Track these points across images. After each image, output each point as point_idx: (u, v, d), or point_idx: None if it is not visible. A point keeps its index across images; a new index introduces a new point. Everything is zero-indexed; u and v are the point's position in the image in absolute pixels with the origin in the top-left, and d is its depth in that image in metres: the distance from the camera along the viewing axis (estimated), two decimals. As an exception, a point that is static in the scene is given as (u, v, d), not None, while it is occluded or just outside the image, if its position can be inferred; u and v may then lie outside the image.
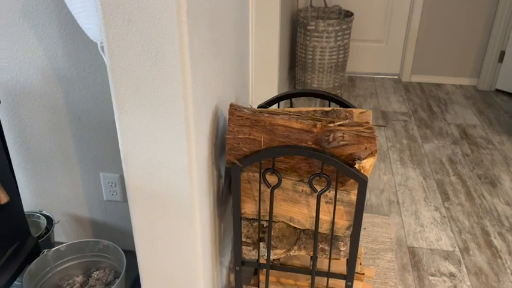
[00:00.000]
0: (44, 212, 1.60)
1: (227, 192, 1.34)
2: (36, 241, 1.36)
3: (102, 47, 0.99)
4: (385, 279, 1.63)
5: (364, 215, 1.98)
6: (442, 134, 2.71)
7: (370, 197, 2.11)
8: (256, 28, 2.38)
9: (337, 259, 1.44)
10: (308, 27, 3.02)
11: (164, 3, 0.81)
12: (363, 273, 1.47)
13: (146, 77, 0.88)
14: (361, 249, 1.52)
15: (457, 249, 1.78)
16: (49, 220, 1.58)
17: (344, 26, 3.01)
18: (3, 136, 1.22)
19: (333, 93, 1.36)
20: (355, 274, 1.45)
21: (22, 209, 1.30)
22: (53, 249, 1.35)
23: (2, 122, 1.37)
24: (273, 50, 2.45)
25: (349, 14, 3.18)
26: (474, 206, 2.04)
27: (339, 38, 3.04)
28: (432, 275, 1.65)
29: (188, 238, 1.06)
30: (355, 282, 1.40)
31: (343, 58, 3.16)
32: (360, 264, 1.50)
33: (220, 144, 1.20)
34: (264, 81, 2.53)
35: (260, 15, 2.33)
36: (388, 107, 3.10)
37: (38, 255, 1.32)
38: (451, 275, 1.65)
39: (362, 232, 1.88)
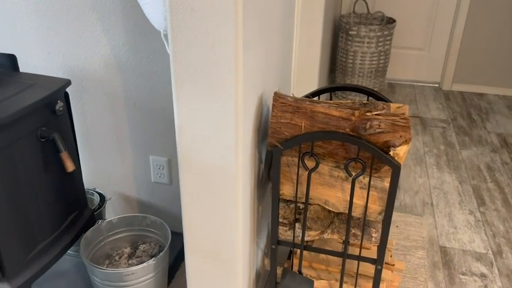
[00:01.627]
0: (97, 190, 1.74)
1: (266, 177, 1.43)
2: (92, 212, 1.50)
3: (165, 35, 1.11)
4: (415, 275, 1.67)
5: (397, 213, 2.03)
6: (482, 141, 2.70)
7: (404, 198, 2.15)
8: (300, 29, 2.47)
9: (369, 249, 1.50)
10: (350, 32, 3.09)
11: (223, -5, 0.91)
12: (393, 265, 1.52)
13: (203, 60, 0.99)
14: (392, 242, 1.57)
15: (490, 251, 1.79)
16: (101, 197, 1.72)
17: (386, 32, 3.06)
18: (72, 116, 1.37)
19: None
20: (385, 264, 1.51)
21: (82, 182, 1.44)
22: (106, 220, 1.48)
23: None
24: (315, 52, 2.53)
25: (391, 21, 3.22)
26: (510, 213, 2.03)
27: (380, 44, 3.09)
28: (463, 274, 1.67)
29: (230, 211, 1.16)
30: (384, 271, 1.46)
31: (384, 64, 3.20)
32: (391, 256, 1.56)
33: (262, 130, 1.30)
34: (304, 82, 2.62)
35: (304, 15, 2.43)
36: (427, 113, 3.11)
37: (93, 225, 1.45)
38: (482, 275, 1.66)
39: (394, 229, 1.92)
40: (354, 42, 3.10)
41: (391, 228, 1.92)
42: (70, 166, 1.22)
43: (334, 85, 1.45)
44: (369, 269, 1.43)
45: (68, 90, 1.36)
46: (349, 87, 1.43)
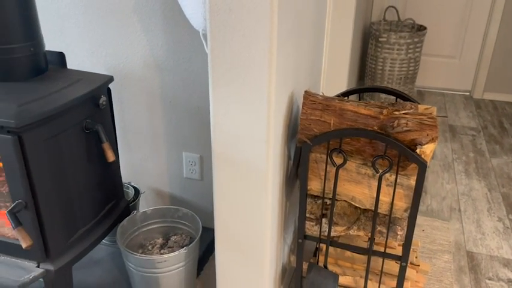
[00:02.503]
0: (132, 184, 1.83)
1: (294, 174, 1.48)
2: (127, 203, 1.58)
3: (204, 34, 1.19)
4: (440, 277, 1.67)
5: (424, 217, 2.03)
6: (513, 150, 2.66)
7: (431, 203, 2.15)
8: (331, 35, 2.52)
9: (393, 248, 1.52)
10: (380, 39, 3.11)
11: (260, -4, 0.98)
12: (418, 265, 1.53)
13: (239, 58, 1.06)
14: (418, 243, 1.59)
15: (518, 258, 1.78)
16: (136, 191, 1.80)
17: (416, 39, 3.06)
18: (113, 110, 1.46)
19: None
20: (410, 264, 1.52)
21: (120, 174, 1.53)
22: (141, 211, 1.56)
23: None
24: (344, 57, 2.57)
25: (422, 28, 3.22)
26: (541, 221, 2.01)
27: (410, 51, 3.09)
28: (489, 279, 1.67)
29: (260, 204, 1.21)
30: (409, 270, 1.47)
31: (413, 71, 3.20)
32: (416, 257, 1.57)
33: (292, 128, 1.35)
34: (332, 87, 2.66)
35: (335, 22, 2.47)
36: (457, 121, 3.08)
37: (129, 215, 1.53)
38: (510, 281, 1.65)
39: (420, 233, 1.93)
40: (383, 48, 3.12)
41: (417, 231, 1.93)
42: (111, 156, 1.30)
43: (363, 86, 1.49)
44: (393, 267, 1.46)
45: (109, 86, 1.45)
46: (378, 89, 1.47)
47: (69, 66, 1.52)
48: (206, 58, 1.55)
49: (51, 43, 1.70)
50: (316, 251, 1.63)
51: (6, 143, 1.10)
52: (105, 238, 1.73)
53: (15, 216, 1.14)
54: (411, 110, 1.17)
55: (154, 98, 1.70)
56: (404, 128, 1.14)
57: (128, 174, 1.87)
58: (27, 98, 1.17)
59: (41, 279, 1.29)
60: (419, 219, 2.02)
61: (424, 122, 1.13)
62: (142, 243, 1.58)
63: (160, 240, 1.60)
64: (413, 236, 1.72)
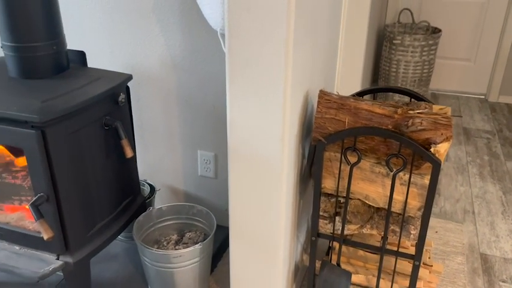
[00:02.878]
0: (148, 181, 1.86)
1: (308, 173, 1.49)
2: (144, 199, 1.61)
3: (221, 34, 1.21)
4: (453, 279, 1.67)
5: (437, 219, 2.03)
6: (528, 154, 2.64)
7: (444, 205, 2.14)
8: (345, 37, 2.53)
9: (406, 248, 1.52)
10: (394, 41, 3.11)
11: (278, -4, 1.00)
12: (431, 266, 1.54)
13: (256, 56, 1.08)
14: (431, 243, 1.59)
15: (533, 261, 1.76)
16: (152, 188, 1.84)
17: (430, 42, 3.06)
18: (131, 108, 1.49)
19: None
20: (423, 264, 1.53)
21: (137, 170, 1.56)
22: (157, 207, 1.59)
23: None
24: (358, 59, 2.57)
25: (436, 31, 3.21)
26: (556, 225, 1.99)
27: (424, 53, 3.09)
28: (503, 281, 1.66)
29: (274, 200, 1.23)
30: (422, 270, 1.48)
31: (427, 73, 3.19)
32: (429, 258, 1.57)
33: (306, 127, 1.37)
34: (346, 88, 2.67)
35: (349, 23, 2.48)
36: (471, 124, 3.07)
37: (145, 211, 1.56)
38: (524, 284, 1.65)
39: (433, 235, 1.92)
40: (397, 51, 3.12)
41: (430, 233, 1.92)
42: (129, 152, 1.33)
43: (377, 86, 1.50)
44: (406, 267, 1.46)
45: (128, 85, 1.49)
46: (392, 89, 1.48)
47: (88, 65, 1.55)
48: (222, 58, 1.58)
49: (71, 42, 1.74)
50: (329, 250, 1.64)
51: (30, 137, 1.14)
52: (121, 234, 1.77)
53: (37, 209, 1.17)
54: (426, 110, 1.18)
55: (170, 97, 1.73)
56: (419, 127, 1.15)
57: (143, 171, 1.90)
58: (50, 95, 1.20)
59: (60, 272, 1.32)
60: (433, 221, 2.02)
61: (438, 121, 1.14)
62: (157, 239, 1.61)
63: (175, 237, 1.62)
64: (427, 237, 1.71)
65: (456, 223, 1.99)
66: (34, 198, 1.18)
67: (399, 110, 1.17)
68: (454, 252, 1.81)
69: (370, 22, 2.68)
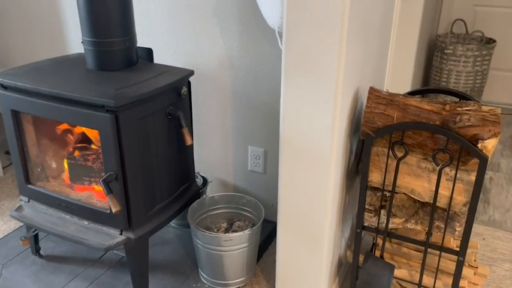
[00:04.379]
0: (201, 173, 1.98)
1: (355, 169, 1.55)
2: (198, 188, 1.72)
3: (279, 32, 1.31)
4: (500, 284, 1.65)
5: (485, 227, 2.01)
6: None
7: (494, 213, 2.11)
8: (395, 45, 2.56)
9: (451, 250, 1.54)
10: (445, 51, 3.09)
11: (334, -5, 1.08)
12: (477, 267, 1.54)
13: (311, 52, 1.16)
14: (477, 245, 1.59)
15: None
16: (204, 180, 1.95)
17: (484, 52, 3.02)
18: (191, 101, 1.61)
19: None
20: (469, 265, 1.53)
21: (193, 159, 1.68)
22: (209, 195, 1.70)
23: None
24: (408, 68, 2.60)
25: (491, 41, 3.17)
26: None
27: (477, 64, 3.05)
28: (553, 291, 1.63)
29: (322, 188, 1.30)
30: (467, 269, 1.48)
31: (480, 84, 3.14)
32: (475, 260, 1.58)
33: (355, 123, 1.43)
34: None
35: (400, 30, 2.51)
36: (526, 137, 2.98)
37: (199, 198, 1.67)
38: None
39: (481, 241, 1.91)
40: (449, 60, 3.10)
41: (478, 240, 1.91)
42: (189, 140, 1.45)
43: (426, 87, 1.54)
44: (450, 265, 1.47)
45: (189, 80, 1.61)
46: (442, 90, 1.51)
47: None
48: (276, 57, 1.68)
49: (140, 41, 1.90)
50: (373, 247, 1.68)
51: (105, 120, 1.28)
52: (174, 222, 1.89)
53: (107, 185, 1.31)
54: (474, 107, 1.21)
55: (226, 95, 1.84)
56: (466, 123, 1.18)
57: (197, 164, 2.02)
58: (123, 84, 1.35)
59: (118, 251, 1.45)
60: (480, 229, 2.00)
61: (486, 118, 1.17)
62: (208, 226, 1.71)
63: (225, 225, 1.72)
64: (474, 240, 1.71)
65: (505, 231, 1.97)
66: (105, 176, 1.32)
67: (447, 107, 1.21)
68: (502, 259, 1.79)
69: (421, 30, 2.70)
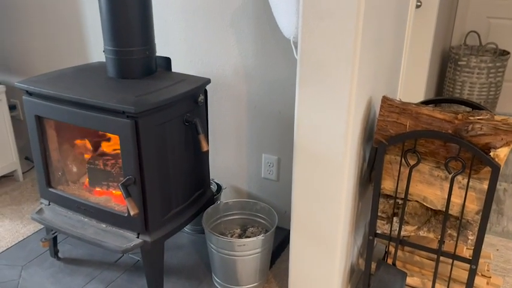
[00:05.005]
0: (215, 180, 2.01)
1: (368, 178, 1.57)
2: (212, 194, 1.76)
3: (294, 42, 1.35)
4: (513, 295, 1.65)
5: (499, 238, 2.00)
6: None
7: (507, 225, 2.11)
8: (408, 57, 2.59)
9: (463, 258, 1.54)
10: (459, 63, 3.10)
11: (347, 6, 1.12)
12: (490, 277, 1.54)
13: (325, 60, 1.20)
14: (490, 255, 1.59)
15: None
16: (218, 187, 1.99)
17: (498, 64, 3.02)
18: (207, 109, 1.65)
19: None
20: (481, 275, 1.53)
21: (209, 166, 1.71)
22: (224, 201, 1.73)
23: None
24: (421, 78, 2.62)
25: (505, 53, 3.17)
26: None
27: (491, 75, 3.05)
28: None
29: (335, 196, 1.32)
30: (480, 278, 1.49)
31: (494, 96, 3.14)
32: (488, 270, 1.58)
33: (368, 131, 1.45)
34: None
35: (413, 42, 2.54)
36: (541, 149, 2.96)
37: (213, 204, 1.71)
38: None
39: (494, 252, 1.90)
40: (462, 72, 3.11)
41: (491, 250, 1.91)
42: (205, 146, 1.48)
43: (439, 97, 1.56)
44: (462, 274, 1.48)
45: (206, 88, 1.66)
46: (455, 100, 1.53)
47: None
48: (290, 66, 1.72)
49: (158, 50, 1.96)
50: (385, 255, 1.69)
51: (125, 126, 1.32)
52: (188, 227, 1.93)
53: (126, 189, 1.35)
54: (486, 116, 1.23)
55: (240, 103, 1.88)
56: (479, 132, 1.20)
57: (211, 171, 2.06)
58: (143, 91, 1.39)
59: (133, 255, 1.48)
60: (494, 239, 2.00)
61: (499, 127, 1.19)
62: (222, 232, 1.74)
63: (238, 231, 1.75)
64: (487, 251, 1.70)
65: (519, 243, 1.96)
66: (124, 179, 1.36)
67: (459, 116, 1.23)
68: (516, 270, 1.78)
69: (434, 42, 2.72)
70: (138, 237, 1.46)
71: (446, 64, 3.36)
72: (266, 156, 1.91)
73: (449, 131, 1.24)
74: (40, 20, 2.29)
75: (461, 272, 1.49)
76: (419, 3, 2.42)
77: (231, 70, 1.85)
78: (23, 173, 2.44)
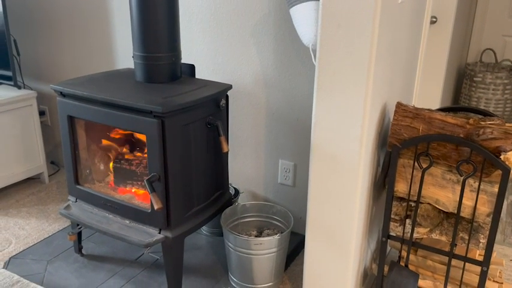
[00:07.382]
0: (233, 185, 2.08)
1: (382, 182, 1.62)
2: (230, 196, 1.82)
3: (313, 49, 1.43)
4: (526, 304, 1.66)
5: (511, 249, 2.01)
6: None
7: (522, 237, 2.12)
8: (424, 68, 2.65)
9: (475, 260, 1.57)
10: (475, 79, 3.15)
11: (365, 14, 1.19)
12: (502, 283, 1.56)
13: (342, 66, 1.27)
14: (503, 262, 1.61)
15: None
16: (236, 191, 2.05)
17: (514, 80, 3.05)
18: (228, 113, 1.73)
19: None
20: (493, 280, 1.56)
21: (228, 168, 1.79)
22: (241, 203, 1.79)
23: (222, 109, 1.90)
24: (436, 92, 2.66)
25: (521, 70, 3.20)
26: None
27: (506, 92, 3.08)
28: None
29: (349, 198, 1.37)
30: (492, 284, 1.51)
31: (510, 112, 3.16)
32: (500, 277, 1.60)
33: (382, 137, 1.51)
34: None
35: (428, 57, 2.60)
36: (557, 165, 2.96)
37: (231, 205, 1.77)
38: None
39: (507, 262, 1.92)
40: (478, 88, 3.15)
41: (505, 261, 1.92)
42: (225, 147, 1.56)
43: (452, 106, 1.61)
44: (474, 278, 1.50)
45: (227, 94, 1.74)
46: (469, 109, 1.58)
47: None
48: (309, 75, 1.79)
49: (183, 58, 2.07)
50: (398, 260, 1.72)
51: (153, 125, 1.41)
52: (206, 229, 1.99)
53: (151, 184, 1.43)
54: (497, 122, 1.28)
55: (259, 110, 1.96)
56: (489, 136, 1.25)
57: (229, 175, 2.13)
58: (169, 94, 1.48)
59: (153, 255, 1.55)
60: (508, 251, 2.01)
61: (509, 132, 1.24)
62: (239, 233, 1.80)
63: (254, 233, 1.80)
64: (500, 257, 1.72)
65: (533, 254, 1.97)
66: (149, 176, 1.44)
67: (471, 121, 1.28)
68: (529, 280, 1.79)
69: (449, 59, 2.78)
70: (159, 233, 1.53)
71: (462, 80, 3.41)
72: (283, 162, 1.98)
73: (461, 135, 1.29)
74: (70, 32, 2.42)
75: (473, 276, 1.51)
76: (434, 19, 2.49)
77: (251, 78, 1.93)
78: (48, 175, 2.54)
